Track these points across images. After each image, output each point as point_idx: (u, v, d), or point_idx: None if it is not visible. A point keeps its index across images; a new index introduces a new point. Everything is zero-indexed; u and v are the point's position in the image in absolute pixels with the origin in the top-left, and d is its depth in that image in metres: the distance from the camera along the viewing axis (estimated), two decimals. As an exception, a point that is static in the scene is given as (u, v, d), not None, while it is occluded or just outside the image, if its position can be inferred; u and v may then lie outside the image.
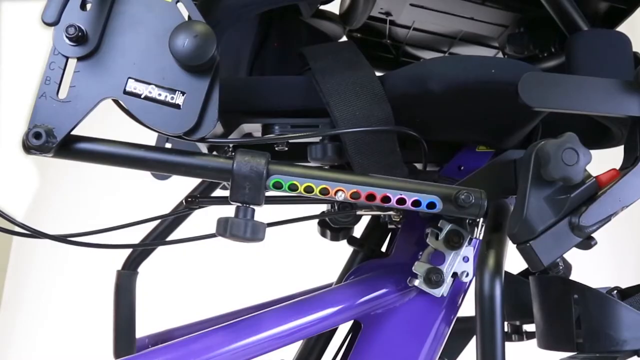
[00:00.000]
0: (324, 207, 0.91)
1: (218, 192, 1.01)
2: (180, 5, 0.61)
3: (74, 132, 0.60)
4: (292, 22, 0.95)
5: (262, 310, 0.72)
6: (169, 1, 0.61)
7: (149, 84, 0.60)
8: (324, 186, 0.63)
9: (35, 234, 0.69)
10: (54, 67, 0.59)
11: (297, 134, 0.71)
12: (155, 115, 0.60)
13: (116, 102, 0.61)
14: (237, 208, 0.61)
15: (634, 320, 0.63)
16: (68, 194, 2.21)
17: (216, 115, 0.61)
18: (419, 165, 0.80)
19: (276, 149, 0.73)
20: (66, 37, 0.58)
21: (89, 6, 0.60)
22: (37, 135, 0.58)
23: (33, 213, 2.13)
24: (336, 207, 0.81)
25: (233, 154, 0.76)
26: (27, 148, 0.59)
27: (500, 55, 1.02)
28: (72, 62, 0.60)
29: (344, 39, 1.05)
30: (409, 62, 1.10)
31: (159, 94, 0.60)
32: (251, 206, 0.61)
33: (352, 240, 0.94)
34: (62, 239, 0.72)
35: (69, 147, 0.60)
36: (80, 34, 0.58)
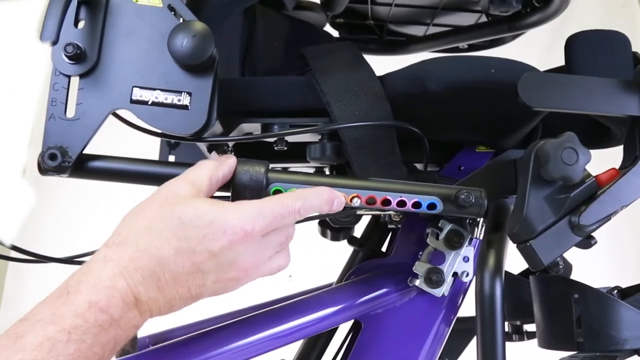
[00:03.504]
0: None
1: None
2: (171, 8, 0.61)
3: (85, 152, 0.60)
4: (276, 16, 0.95)
5: (262, 310, 0.72)
6: (159, 6, 0.61)
7: (154, 89, 0.60)
8: None
9: (41, 258, 0.70)
10: (57, 87, 0.60)
11: (297, 130, 0.71)
12: (165, 119, 0.60)
13: (116, 115, 0.62)
14: None
15: (634, 319, 0.63)
16: (65, 208, 2.20)
17: (215, 113, 0.61)
18: (419, 165, 0.80)
19: (275, 148, 0.73)
20: (65, 55, 0.59)
21: (81, 23, 0.60)
22: (53, 157, 0.59)
23: (29, 227, 2.12)
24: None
25: (232, 153, 0.76)
26: (44, 170, 0.59)
27: (484, 18, 1.01)
28: (75, 80, 0.60)
29: (328, 26, 1.06)
30: (394, 40, 1.12)
31: (166, 98, 0.60)
32: None
33: (352, 240, 0.94)
34: (68, 260, 0.72)
35: (83, 166, 0.61)
36: (78, 51, 0.59)
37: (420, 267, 0.74)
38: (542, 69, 0.77)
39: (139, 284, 0.51)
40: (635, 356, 0.65)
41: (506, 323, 0.86)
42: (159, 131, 0.61)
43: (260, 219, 0.54)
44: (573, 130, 0.63)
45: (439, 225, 0.72)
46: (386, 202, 0.64)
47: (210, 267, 0.53)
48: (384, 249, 0.95)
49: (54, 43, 0.57)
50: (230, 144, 0.76)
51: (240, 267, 0.54)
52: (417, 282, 0.74)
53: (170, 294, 0.52)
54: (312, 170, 0.91)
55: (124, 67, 0.60)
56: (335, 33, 1.12)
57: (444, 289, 0.73)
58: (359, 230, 0.95)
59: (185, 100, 0.60)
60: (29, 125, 1.99)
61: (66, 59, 0.59)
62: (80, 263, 0.73)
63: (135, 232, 0.52)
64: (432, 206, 0.64)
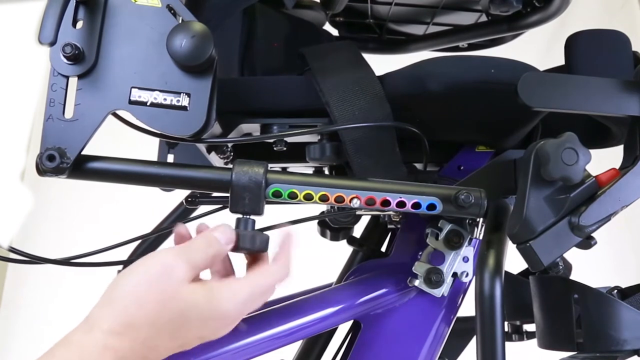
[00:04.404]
0: (323, 207, 0.90)
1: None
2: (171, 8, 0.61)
3: (84, 153, 0.60)
4: (275, 15, 0.95)
5: (261, 310, 0.72)
6: (158, 6, 0.60)
7: (153, 90, 0.60)
8: (323, 193, 0.63)
9: (38, 260, 0.70)
10: (55, 88, 0.59)
11: (296, 132, 0.71)
12: (164, 120, 0.60)
13: (115, 115, 0.62)
14: (238, 219, 0.61)
15: (634, 319, 0.63)
16: (64, 209, 2.20)
17: (214, 114, 0.61)
18: (418, 165, 0.80)
19: (275, 149, 0.73)
20: (63, 56, 0.58)
21: (80, 23, 0.60)
22: (51, 158, 0.58)
23: (30, 228, 2.12)
24: (336, 207, 0.81)
25: (232, 154, 0.76)
26: (42, 171, 0.59)
27: (484, 18, 1.01)
28: (74, 81, 0.60)
29: (328, 24, 1.06)
30: (393, 39, 1.12)
31: (165, 99, 0.60)
32: (252, 216, 0.61)
33: (352, 240, 0.94)
34: (65, 262, 0.72)
35: (82, 167, 0.61)
36: (77, 52, 0.58)
37: (419, 268, 0.73)
38: (542, 69, 0.77)
39: None
40: (635, 357, 0.65)
41: (506, 323, 0.86)
42: (158, 132, 0.61)
43: (250, 302, 0.57)
44: (573, 131, 0.63)
45: (439, 225, 0.72)
46: (385, 203, 0.64)
47: (196, 341, 0.57)
48: (383, 249, 0.95)
49: (52, 43, 0.57)
50: (230, 144, 0.76)
51: (219, 335, 0.58)
52: (417, 283, 0.74)
53: None
54: (311, 171, 0.91)
55: (122, 67, 0.60)
56: (334, 32, 1.12)
57: (444, 289, 0.73)
58: (358, 230, 0.95)
59: (184, 101, 0.60)
60: (27, 127, 1.99)
61: (64, 60, 0.59)
62: (77, 265, 0.73)
63: (138, 325, 0.53)
64: (431, 207, 0.64)
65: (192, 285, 0.54)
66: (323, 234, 0.94)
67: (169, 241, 1.02)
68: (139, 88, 0.60)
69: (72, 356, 0.51)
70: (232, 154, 0.77)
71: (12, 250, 0.70)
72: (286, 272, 0.60)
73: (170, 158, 0.91)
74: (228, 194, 0.61)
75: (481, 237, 0.74)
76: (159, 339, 0.53)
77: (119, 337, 0.52)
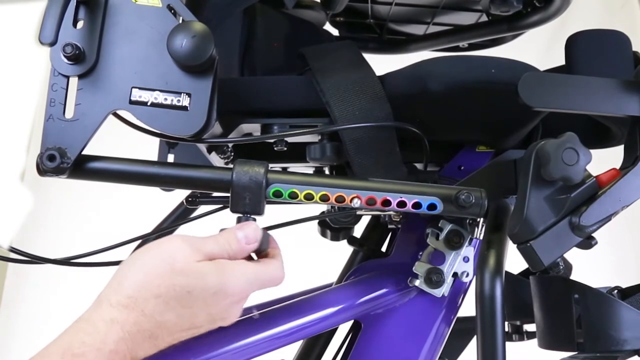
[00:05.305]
0: (324, 207, 0.90)
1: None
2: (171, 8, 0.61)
3: (84, 153, 0.60)
4: (275, 15, 0.95)
5: (261, 310, 0.72)
6: (159, 6, 0.60)
7: (153, 90, 0.60)
8: (323, 193, 0.63)
9: (39, 260, 0.70)
10: (56, 88, 0.59)
11: (296, 132, 0.71)
12: (165, 120, 0.60)
13: (116, 115, 0.62)
14: (239, 219, 0.61)
15: (634, 319, 0.63)
16: (65, 208, 2.20)
17: (214, 114, 0.61)
18: (419, 165, 0.80)
19: (275, 149, 0.73)
20: (64, 56, 0.58)
21: (80, 23, 0.60)
22: (51, 158, 0.58)
23: (30, 228, 2.11)
24: (336, 207, 0.81)
25: (232, 154, 0.76)
26: (43, 171, 0.59)
27: (484, 18, 1.01)
28: (74, 81, 0.60)
29: (328, 24, 1.06)
30: (394, 39, 1.12)
31: (165, 99, 0.60)
32: (252, 216, 0.61)
33: (352, 240, 0.94)
34: (65, 262, 0.72)
35: (82, 167, 0.61)
36: (77, 51, 0.58)
37: (420, 268, 0.73)
38: (542, 69, 0.77)
39: (138, 347, 0.53)
40: (636, 357, 0.65)
41: (506, 323, 0.86)
42: (158, 132, 0.61)
43: (256, 283, 0.58)
44: (573, 131, 0.63)
45: (439, 225, 0.72)
46: (386, 203, 0.64)
47: (206, 322, 0.57)
48: (384, 249, 0.95)
49: (53, 43, 0.57)
50: (230, 144, 0.76)
51: (230, 318, 0.59)
52: (417, 283, 0.74)
53: (164, 344, 0.56)
54: (311, 171, 0.91)
55: (123, 67, 0.60)
56: (335, 32, 1.12)
57: (444, 289, 0.73)
58: (359, 230, 0.95)
59: (184, 101, 0.60)
60: (27, 127, 1.99)
61: (65, 60, 0.59)
62: (77, 264, 0.73)
63: (144, 298, 0.54)
64: (432, 207, 0.64)
65: (200, 263, 0.55)
66: (323, 234, 0.94)
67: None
68: (140, 88, 0.60)
69: (81, 332, 0.52)
70: (232, 153, 0.77)
71: (12, 250, 0.70)
72: (283, 273, 0.61)
73: (171, 158, 0.91)
74: (229, 194, 0.61)
75: (481, 237, 0.74)
76: (166, 315, 0.54)
77: (125, 310, 0.52)
